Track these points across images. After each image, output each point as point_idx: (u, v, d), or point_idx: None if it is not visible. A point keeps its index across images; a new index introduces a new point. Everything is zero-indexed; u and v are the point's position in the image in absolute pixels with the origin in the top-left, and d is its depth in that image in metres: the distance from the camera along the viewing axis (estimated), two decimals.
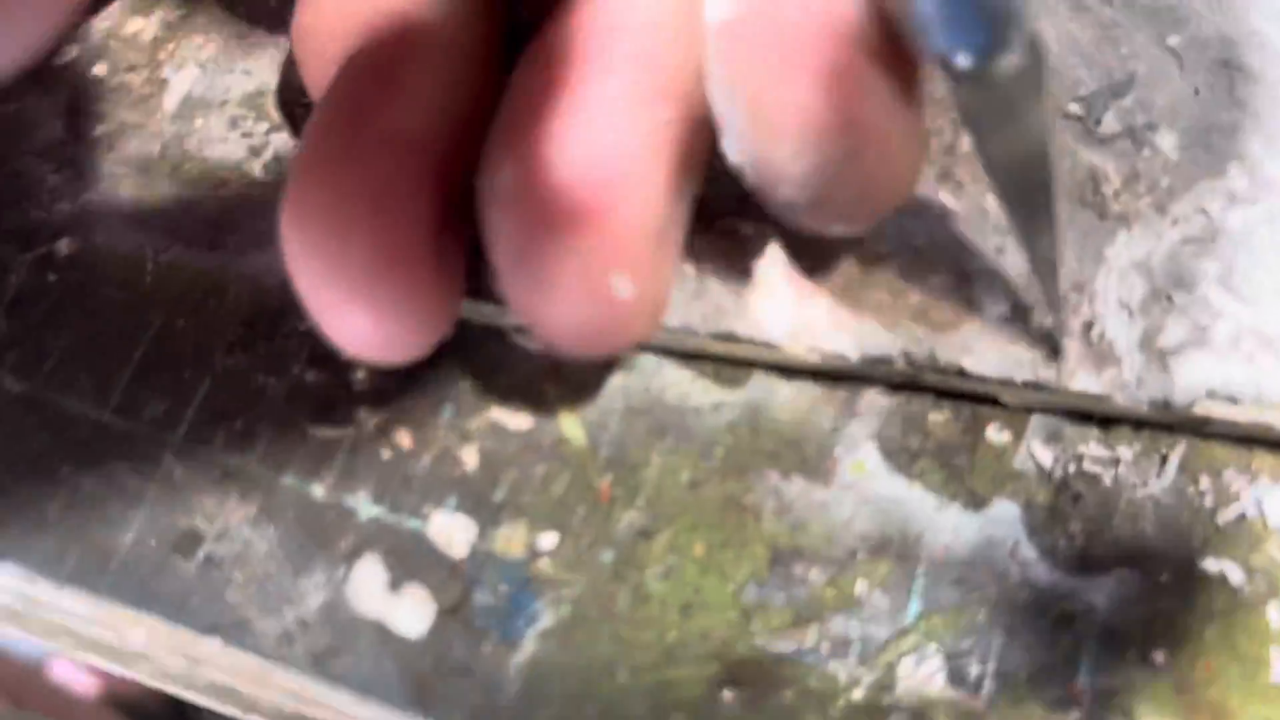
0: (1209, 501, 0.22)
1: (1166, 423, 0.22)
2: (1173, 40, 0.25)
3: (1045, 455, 0.22)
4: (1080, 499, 0.22)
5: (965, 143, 0.23)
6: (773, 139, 0.19)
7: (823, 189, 0.19)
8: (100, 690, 0.96)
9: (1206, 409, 0.22)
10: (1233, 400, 0.22)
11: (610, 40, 0.19)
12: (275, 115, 0.25)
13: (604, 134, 0.19)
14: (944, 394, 0.23)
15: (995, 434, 0.22)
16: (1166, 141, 0.24)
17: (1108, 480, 0.22)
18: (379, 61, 0.21)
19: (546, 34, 0.20)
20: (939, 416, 0.23)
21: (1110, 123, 0.24)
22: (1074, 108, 0.24)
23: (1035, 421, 0.22)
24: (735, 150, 0.20)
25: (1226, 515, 0.22)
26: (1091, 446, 0.22)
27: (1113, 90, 0.24)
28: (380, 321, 0.19)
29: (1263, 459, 0.22)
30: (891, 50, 0.18)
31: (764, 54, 0.18)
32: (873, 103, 0.18)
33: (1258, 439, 0.22)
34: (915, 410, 0.23)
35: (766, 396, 0.23)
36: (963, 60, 0.17)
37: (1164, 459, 0.22)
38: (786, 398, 0.23)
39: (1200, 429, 0.22)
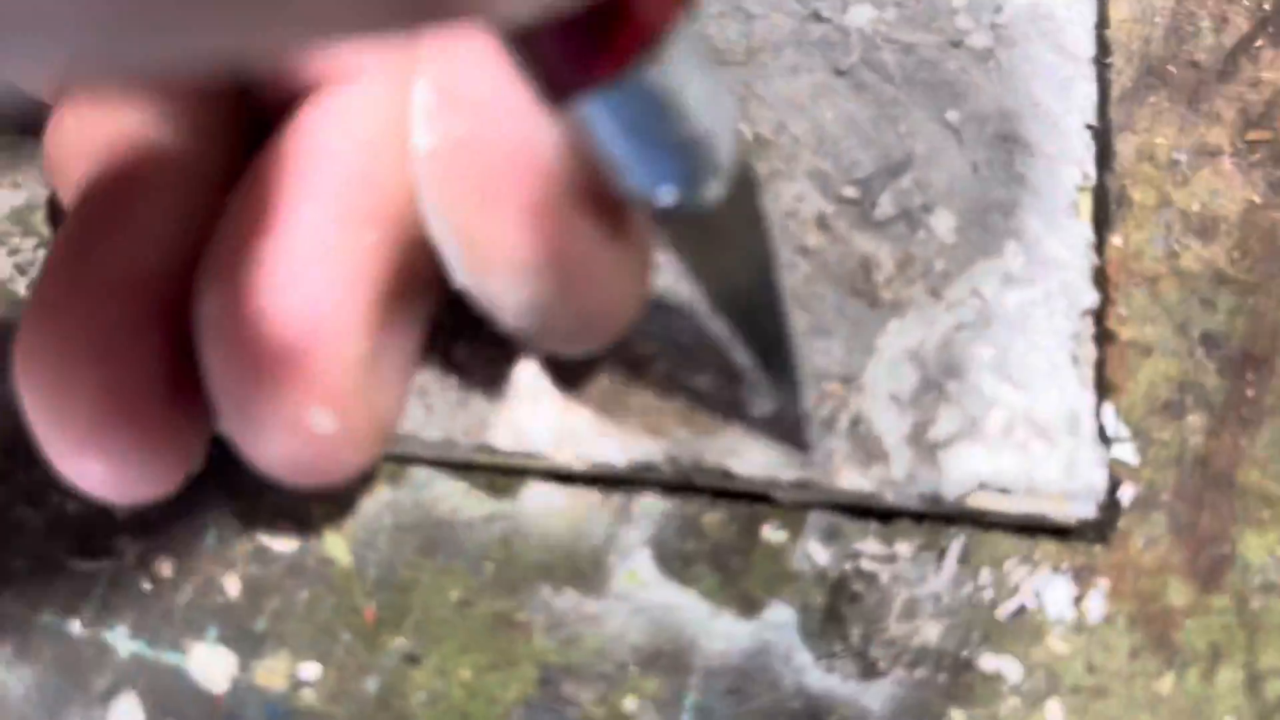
0: (989, 595, 0.21)
1: (943, 515, 0.22)
2: (951, 116, 0.24)
3: (822, 554, 0.22)
4: (858, 599, 0.21)
5: None
6: (485, 271, 0.18)
7: (540, 318, 0.19)
8: None
9: (979, 501, 0.21)
10: (1005, 491, 0.21)
11: (315, 164, 0.19)
12: (45, 230, 0.25)
13: (299, 264, 0.18)
14: (719, 493, 0.22)
15: (771, 533, 0.22)
16: (943, 223, 0.23)
17: (885, 578, 0.21)
18: (109, 196, 0.20)
19: (258, 159, 0.19)
20: (714, 517, 0.22)
21: (886, 205, 0.24)
22: (850, 191, 0.24)
23: (812, 518, 0.22)
24: (456, 276, 0.19)
25: (1006, 609, 0.21)
26: (869, 543, 0.22)
27: (890, 170, 0.24)
28: (113, 469, 0.19)
29: (1045, 547, 0.22)
30: (597, 187, 0.18)
31: (468, 188, 0.18)
32: (579, 238, 0.18)
33: (1037, 527, 0.22)
34: (690, 512, 0.22)
35: (540, 505, 0.22)
36: (663, 198, 0.17)
37: (943, 553, 0.22)
38: (560, 505, 0.22)
39: (978, 520, 0.22)
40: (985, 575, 0.21)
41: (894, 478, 0.21)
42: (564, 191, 0.17)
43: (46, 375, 0.19)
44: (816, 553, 0.22)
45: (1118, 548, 0.22)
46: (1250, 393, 0.23)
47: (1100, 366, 0.23)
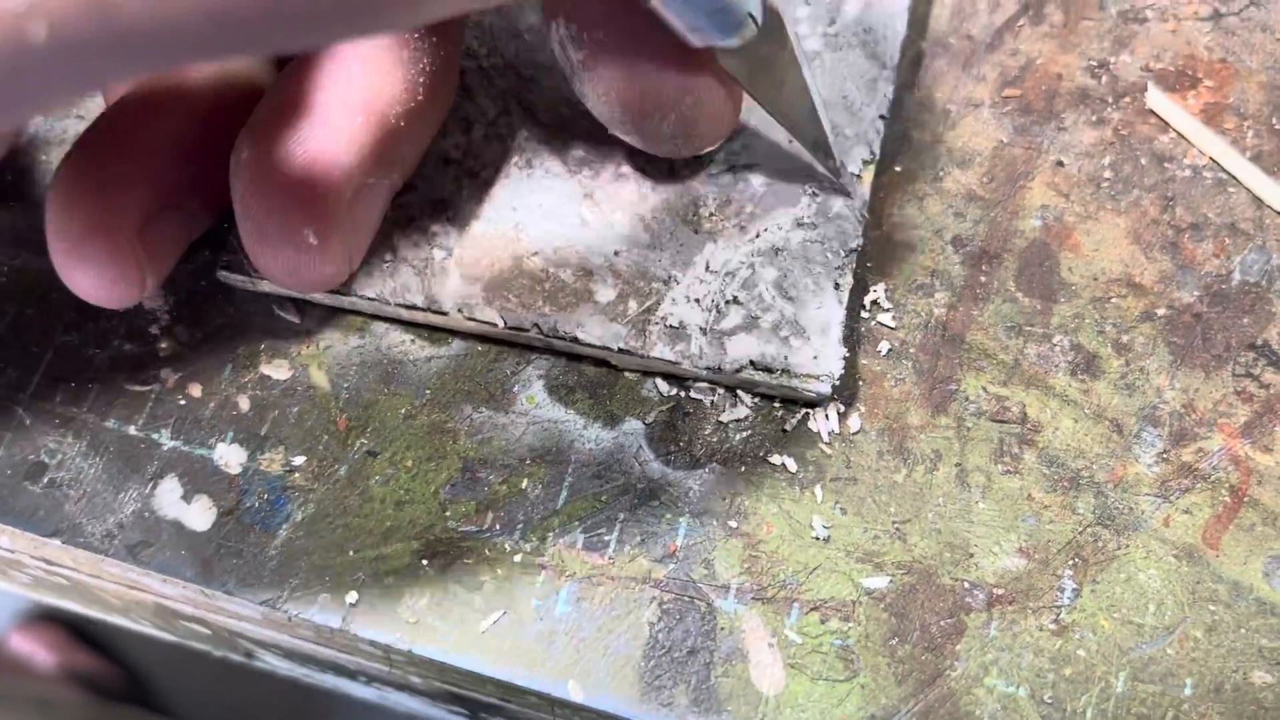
0: (779, 415, 0.30)
1: (722, 383, 0.30)
2: None
3: (665, 386, 0.30)
4: (688, 416, 0.30)
5: (606, 171, 0.31)
6: (635, 116, 0.28)
7: (675, 136, 0.29)
8: (57, 664, 1.03)
9: (749, 375, 0.29)
10: (767, 370, 0.29)
11: (329, 70, 0.27)
12: None
13: (312, 131, 0.26)
14: (570, 357, 0.31)
15: (630, 374, 0.31)
16: (758, 178, 0.32)
17: (708, 404, 0.30)
18: (131, 106, 0.28)
19: (288, 69, 0.28)
20: (591, 362, 0.31)
21: (720, 161, 0.32)
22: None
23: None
24: (614, 127, 0.29)
25: (790, 424, 0.30)
26: (699, 383, 0.30)
27: (728, 137, 0.32)
28: (90, 277, 0.27)
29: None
30: (684, 45, 0.27)
31: (613, 73, 0.27)
32: (685, 80, 0.28)
33: (790, 400, 0.30)
34: (559, 371, 0.31)
35: (467, 350, 0.31)
36: (721, 41, 0.27)
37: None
38: (481, 351, 0.31)
39: (749, 389, 0.30)
40: (778, 404, 0.30)
41: (691, 353, 0.29)
42: (667, 54, 0.27)
43: (59, 205, 0.27)
44: (661, 385, 0.30)
45: (874, 384, 0.31)
46: (983, 279, 0.32)
47: (854, 290, 0.31)
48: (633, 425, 0.30)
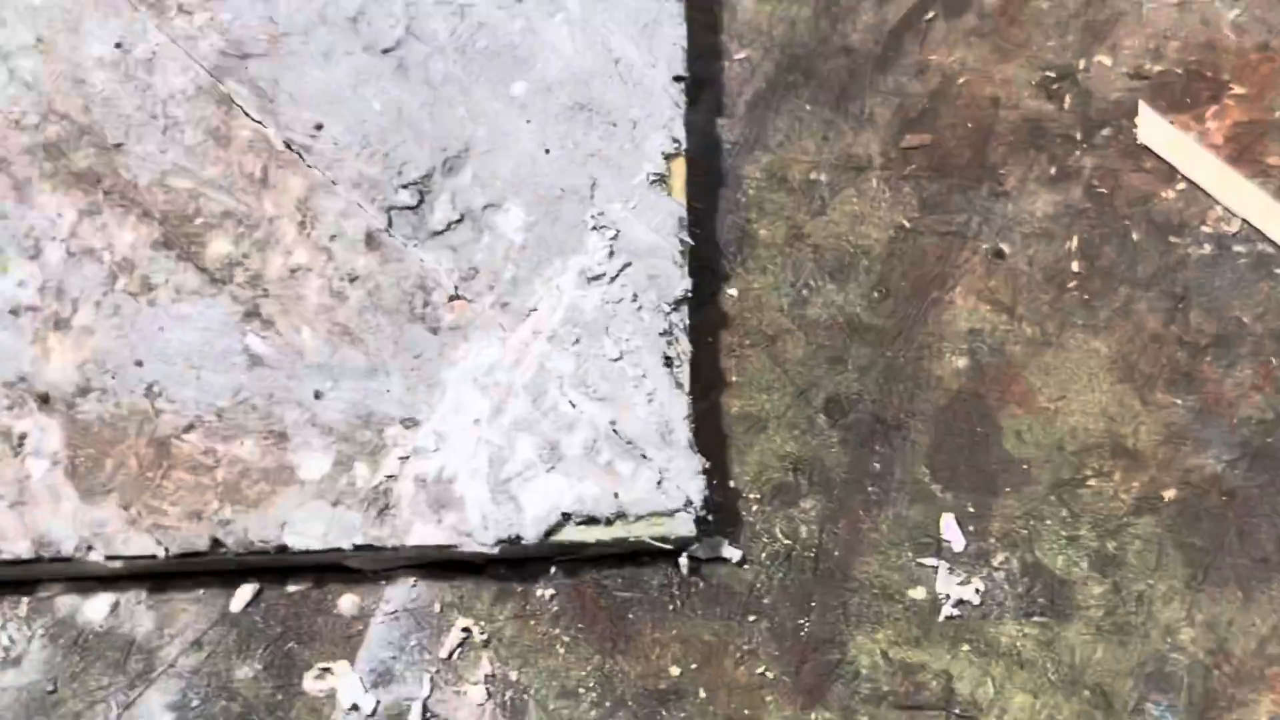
0: None
1: (530, 557, 0.19)
2: (518, 88, 0.21)
3: (367, 700, 0.19)
4: None
5: (273, 266, 0.20)
6: None
7: None
8: None
9: (567, 537, 0.19)
10: (593, 521, 0.19)
11: None
12: None
13: None
14: (286, 570, 0.20)
15: (312, 683, 0.19)
16: (512, 220, 0.20)
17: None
18: None
19: None
20: (248, 671, 0.19)
21: (444, 209, 0.21)
22: (403, 196, 0.21)
23: (363, 659, 0.19)
24: None
25: None
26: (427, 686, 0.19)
27: (448, 166, 0.21)
28: None
29: None
30: None
31: None
32: None
33: (641, 553, 0.19)
34: (220, 668, 0.19)
35: (49, 669, 0.20)
36: None
37: None
38: (73, 669, 0.20)
39: (574, 554, 0.19)
40: None
41: (470, 525, 0.19)
42: None
43: None
44: (361, 699, 0.19)
45: (710, 660, 0.19)
46: (876, 466, 0.20)
47: (697, 366, 0.20)
48: None
